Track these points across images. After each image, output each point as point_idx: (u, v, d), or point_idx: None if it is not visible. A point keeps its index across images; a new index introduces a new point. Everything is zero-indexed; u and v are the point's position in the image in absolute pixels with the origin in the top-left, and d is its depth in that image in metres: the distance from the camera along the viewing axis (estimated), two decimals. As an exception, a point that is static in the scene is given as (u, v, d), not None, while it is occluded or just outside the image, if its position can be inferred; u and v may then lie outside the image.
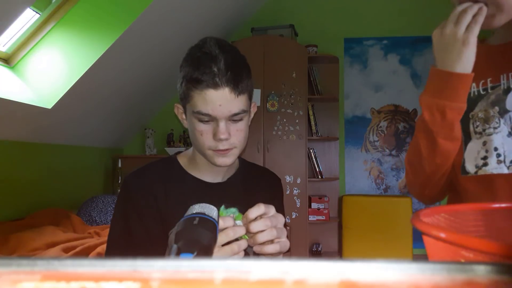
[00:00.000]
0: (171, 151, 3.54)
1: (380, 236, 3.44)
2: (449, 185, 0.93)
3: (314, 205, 3.68)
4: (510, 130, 0.82)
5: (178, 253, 0.59)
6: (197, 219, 0.64)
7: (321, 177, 3.78)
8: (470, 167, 0.86)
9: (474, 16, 0.76)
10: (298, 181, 3.50)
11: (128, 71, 2.96)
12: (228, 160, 0.90)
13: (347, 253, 3.57)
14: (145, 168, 0.97)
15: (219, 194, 0.96)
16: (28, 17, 2.42)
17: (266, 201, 0.77)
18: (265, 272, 0.20)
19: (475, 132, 0.86)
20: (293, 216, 3.47)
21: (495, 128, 0.83)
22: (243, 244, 0.72)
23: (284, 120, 3.53)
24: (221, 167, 0.93)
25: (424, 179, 0.89)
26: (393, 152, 3.91)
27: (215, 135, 0.86)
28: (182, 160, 0.99)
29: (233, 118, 0.87)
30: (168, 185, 0.94)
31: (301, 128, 3.53)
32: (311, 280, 0.20)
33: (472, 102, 0.86)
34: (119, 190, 1.24)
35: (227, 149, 0.88)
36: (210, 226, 0.64)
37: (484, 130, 0.85)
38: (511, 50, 0.86)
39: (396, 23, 3.93)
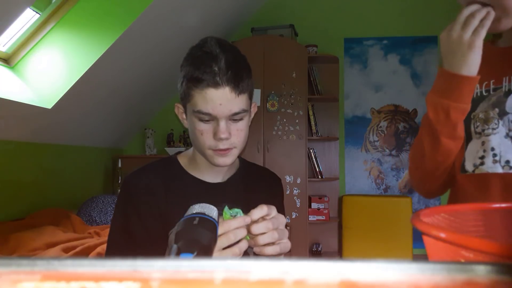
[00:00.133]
0: (171, 151, 3.54)
1: (380, 236, 3.43)
2: (450, 181, 0.95)
3: (314, 205, 3.67)
4: (507, 131, 0.84)
5: (178, 253, 0.59)
6: (197, 219, 0.64)
7: (321, 177, 3.78)
8: (469, 166, 0.89)
9: (481, 20, 0.77)
10: (298, 181, 3.50)
11: (128, 71, 2.95)
12: (228, 160, 0.90)
13: (347, 253, 3.56)
14: (145, 168, 0.97)
15: (219, 194, 0.95)
16: (28, 17, 2.42)
17: (266, 201, 0.77)
18: (265, 272, 0.20)
19: (475, 132, 0.88)
20: (293, 216, 3.47)
21: (493, 129, 0.85)
22: (244, 246, 0.72)
23: (284, 120, 3.53)
24: (221, 167, 0.93)
25: (425, 174, 0.92)
26: (393, 152, 3.91)
27: (215, 135, 0.86)
28: (182, 160, 0.99)
29: (234, 117, 0.87)
30: (168, 185, 0.94)
31: (301, 128, 3.52)
32: (311, 280, 0.20)
33: (475, 103, 0.88)
34: (119, 190, 1.24)
35: (227, 149, 0.88)
36: (210, 226, 0.64)
37: (483, 130, 0.86)
38: None
39: (396, 23, 3.93)
